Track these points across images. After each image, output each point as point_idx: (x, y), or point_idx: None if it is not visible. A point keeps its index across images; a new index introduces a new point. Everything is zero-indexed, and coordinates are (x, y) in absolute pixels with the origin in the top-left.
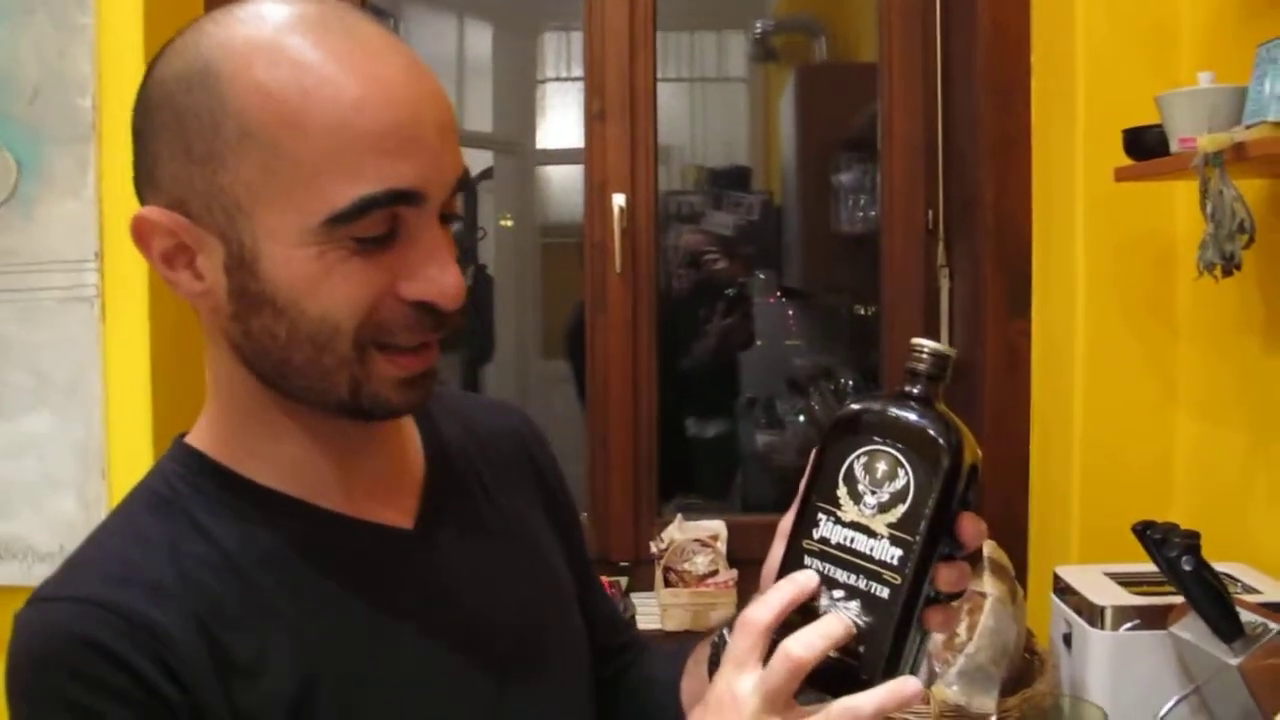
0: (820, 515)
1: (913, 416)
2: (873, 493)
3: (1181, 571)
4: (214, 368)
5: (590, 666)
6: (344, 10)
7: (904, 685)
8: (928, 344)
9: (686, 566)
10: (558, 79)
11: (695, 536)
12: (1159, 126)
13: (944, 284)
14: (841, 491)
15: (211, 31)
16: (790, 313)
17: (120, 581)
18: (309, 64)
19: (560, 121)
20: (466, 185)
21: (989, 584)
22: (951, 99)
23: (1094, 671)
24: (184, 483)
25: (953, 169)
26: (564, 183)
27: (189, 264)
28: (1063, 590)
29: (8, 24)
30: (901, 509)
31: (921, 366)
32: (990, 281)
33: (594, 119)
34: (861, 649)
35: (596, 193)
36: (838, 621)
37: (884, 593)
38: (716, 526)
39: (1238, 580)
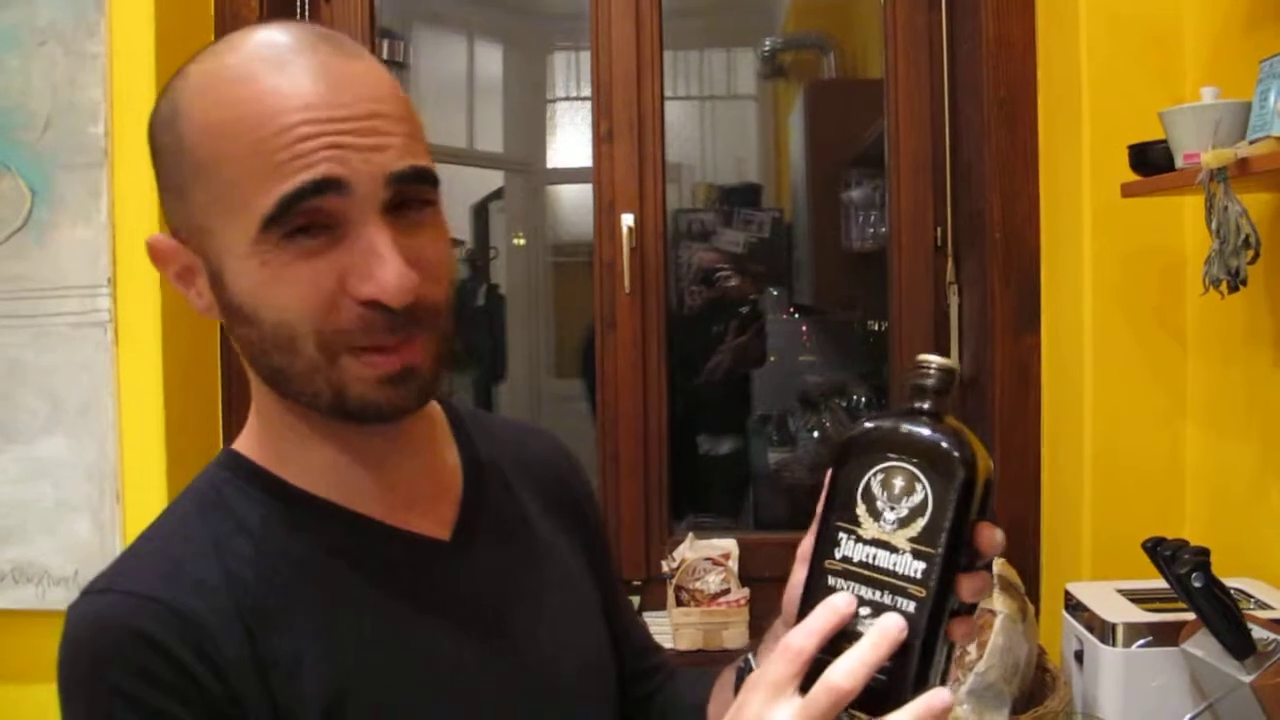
0: (841, 534)
1: (925, 431)
2: (892, 509)
3: (1192, 588)
4: (252, 380)
5: (615, 688)
6: (311, 39)
7: (935, 698)
8: (934, 359)
9: (698, 585)
10: (567, 98)
11: (707, 555)
12: (1164, 142)
13: (953, 300)
14: (861, 509)
15: (188, 71)
16: (802, 329)
17: (168, 578)
18: (240, 94)
19: (570, 140)
20: (423, 179)
21: (998, 602)
22: (958, 115)
23: (1106, 689)
24: (230, 486)
25: (960, 185)
26: (575, 201)
27: (193, 283)
28: (1074, 607)
29: (20, 53)
30: (922, 523)
31: (929, 381)
32: (999, 298)
33: (602, 140)
34: (890, 663)
35: (605, 212)
36: (875, 648)
37: (910, 607)
38: (728, 545)
39: (1250, 596)
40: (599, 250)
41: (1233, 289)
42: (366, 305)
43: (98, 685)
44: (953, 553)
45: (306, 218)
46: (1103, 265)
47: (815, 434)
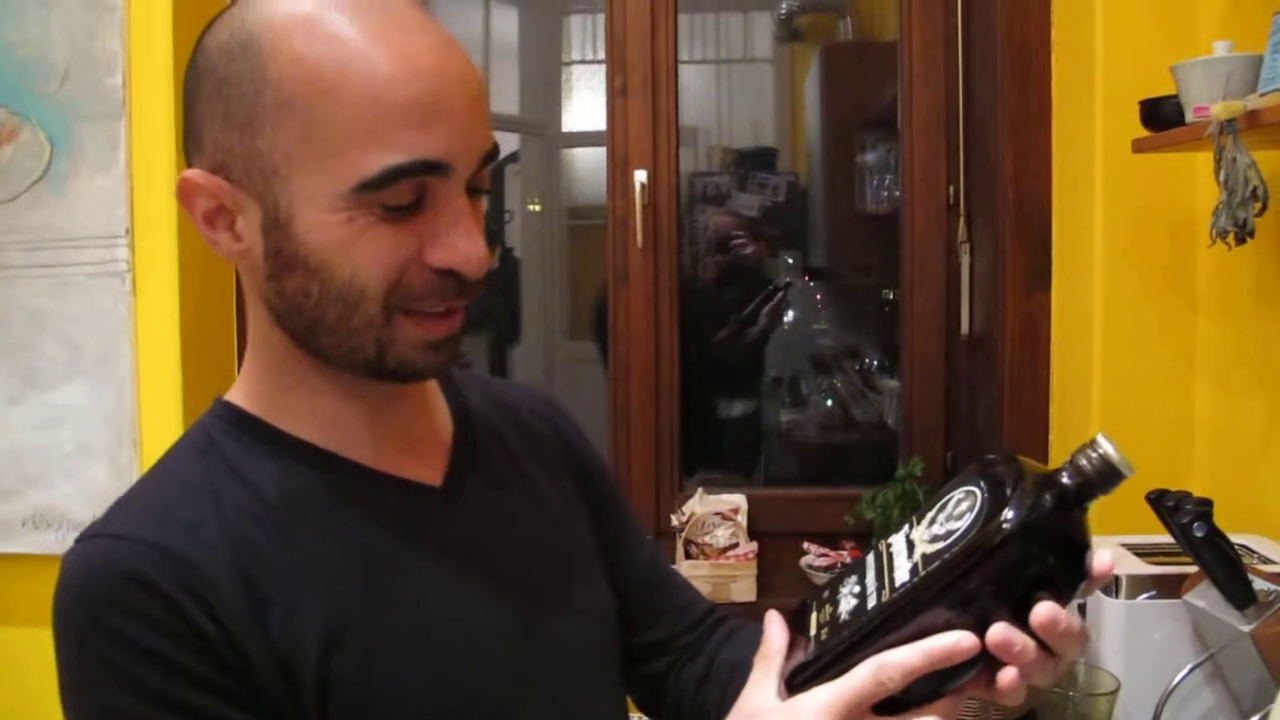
0: (906, 523)
1: (1028, 499)
2: (940, 523)
3: (1194, 538)
4: (252, 327)
5: (612, 634)
6: None
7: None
8: (1111, 452)
9: (707, 539)
10: (583, 61)
11: (716, 509)
12: (1175, 97)
13: (964, 259)
14: (929, 510)
15: (256, 5)
16: (816, 294)
17: (161, 521)
18: (345, 39)
19: (586, 104)
20: (494, 159)
21: None
22: (972, 73)
23: (1108, 640)
24: (223, 434)
25: (973, 144)
26: (590, 165)
27: (229, 225)
28: None
29: (39, 5)
30: (940, 546)
31: (1085, 465)
32: (1010, 255)
33: (615, 95)
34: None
35: (618, 168)
36: (926, 654)
37: (869, 603)
38: (737, 500)
39: (1254, 551)
40: (612, 206)
41: (1240, 241)
42: (438, 272)
43: (92, 628)
44: (931, 585)
45: (406, 191)
46: (1114, 222)
47: (827, 397)
